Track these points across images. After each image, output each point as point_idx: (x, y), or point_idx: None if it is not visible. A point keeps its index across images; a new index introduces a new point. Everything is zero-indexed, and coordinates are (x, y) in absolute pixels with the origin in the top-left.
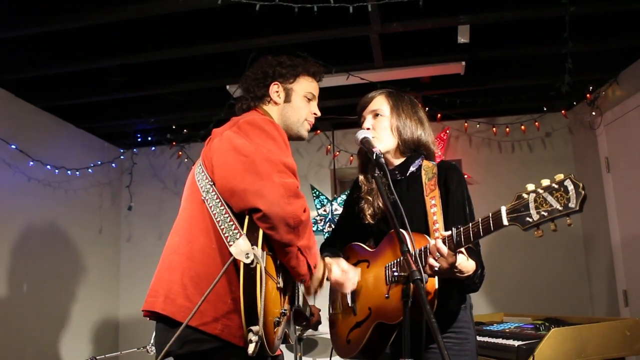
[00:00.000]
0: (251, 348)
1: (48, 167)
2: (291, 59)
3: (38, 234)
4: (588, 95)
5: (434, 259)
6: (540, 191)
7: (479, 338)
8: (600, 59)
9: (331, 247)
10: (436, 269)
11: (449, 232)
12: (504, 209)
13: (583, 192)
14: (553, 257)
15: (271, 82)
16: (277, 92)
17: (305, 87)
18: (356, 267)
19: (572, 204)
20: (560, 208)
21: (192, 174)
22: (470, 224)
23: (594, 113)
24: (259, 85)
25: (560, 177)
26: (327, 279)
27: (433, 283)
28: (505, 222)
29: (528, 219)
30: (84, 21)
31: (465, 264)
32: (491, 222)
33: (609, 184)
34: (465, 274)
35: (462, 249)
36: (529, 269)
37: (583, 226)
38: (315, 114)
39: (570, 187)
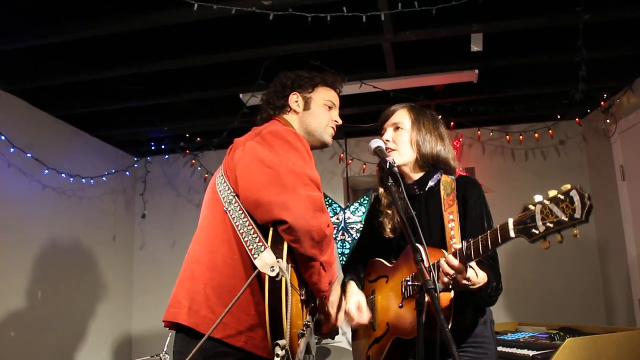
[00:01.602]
0: None
1: (63, 175)
2: (309, 72)
3: (52, 241)
4: (602, 102)
5: (445, 273)
6: (547, 202)
7: None
8: (615, 66)
9: (354, 265)
10: (446, 280)
11: (459, 246)
12: (511, 221)
13: (588, 203)
14: (568, 265)
15: (290, 92)
16: (296, 101)
17: (324, 95)
18: (376, 282)
19: (577, 215)
20: (566, 219)
21: (212, 183)
22: (480, 237)
23: (608, 121)
24: (278, 96)
25: (566, 187)
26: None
27: (448, 299)
28: (512, 234)
29: (534, 230)
30: (99, 30)
31: (475, 277)
32: (499, 234)
33: (624, 192)
34: (477, 286)
35: (472, 263)
36: (544, 277)
37: (598, 234)
38: (336, 121)
39: (576, 198)
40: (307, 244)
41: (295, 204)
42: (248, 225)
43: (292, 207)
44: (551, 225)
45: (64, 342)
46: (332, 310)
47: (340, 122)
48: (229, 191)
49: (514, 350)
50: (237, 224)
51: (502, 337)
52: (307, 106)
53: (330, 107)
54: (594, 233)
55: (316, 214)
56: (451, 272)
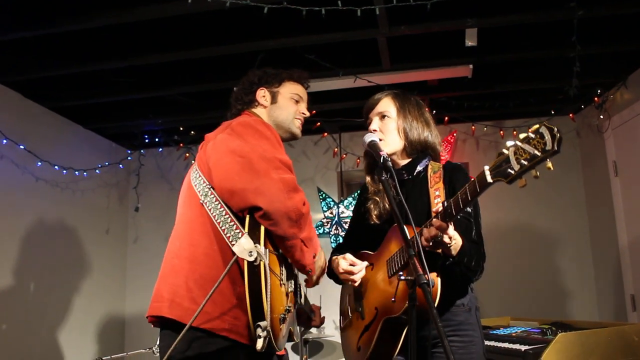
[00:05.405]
0: (259, 343)
1: (56, 167)
2: (275, 69)
3: (45, 234)
4: (596, 98)
5: (429, 237)
6: (519, 143)
7: (485, 342)
8: (608, 62)
9: (341, 252)
10: (431, 243)
11: (440, 205)
12: (486, 168)
13: (558, 135)
14: (560, 260)
15: (257, 88)
16: (263, 96)
17: (291, 89)
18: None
19: (548, 147)
20: (539, 153)
21: (187, 179)
22: (459, 192)
23: (601, 116)
24: (246, 92)
25: (535, 126)
26: (336, 274)
27: (436, 288)
28: (489, 179)
29: (510, 170)
30: (93, 22)
31: (455, 235)
32: (477, 183)
33: (617, 188)
34: (454, 244)
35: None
36: (536, 272)
37: (590, 229)
38: (303, 113)
39: (546, 132)
40: (285, 224)
41: (268, 187)
42: (225, 215)
43: (266, 191)
44: (525, 162)
45: (56, 334)
46: (319, 272)
47: (307, 114)
48: (204, 184)
49: (506, 345)
50: (214, 214)
51: (494, 332)
52: (274, 100)
53: (297, 101)
54: (587, 228)
55: (290, 194)
56: (435, 232)
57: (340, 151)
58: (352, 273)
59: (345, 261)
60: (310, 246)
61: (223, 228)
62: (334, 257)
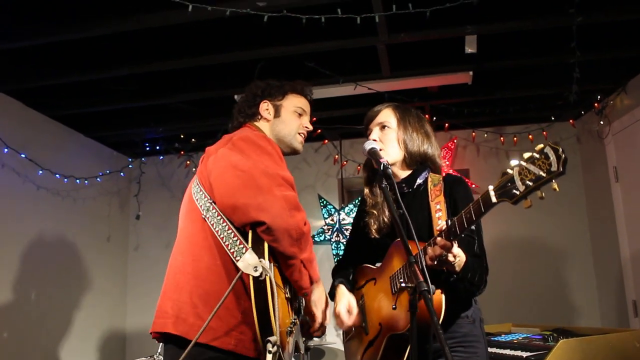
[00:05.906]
0: (269, 358)
1: (57, 176)
2: (279, 81)
3: (47, 242)
4: (596, 104)
5: (433, 257)
6: (523, 163)
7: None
8: (608, 68)
9: (344, 270)
10: (435, 262)
11: (444, 224)
12: (491, 188)
13: (563, 155)
14: (561, 266)
15: (260, 101)
16: (267, 109)
17: (294, 102)
18: (365, 287)
19: (554, 168)
20: (544, 174)
21: (188, 193)
22: (463, 211)
23: (602, 122)
24: (249, 104)
25: (540, 146)
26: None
27: (440, 301)
28: (494, 199)
29: (515, 191)
30: (94, 31)
31: (459, 252)
32: (481, 203)
33: (618, 194)
34: (459, 261)
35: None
36: (537, 278)
37: (591, 235)
38: (306, 127)
39: (551, 153)
40: (286, 242)
41: (271, 204)
42: (228, 230)
43: (269, 207)
44: (530, 183)
45: (57, 342)
46: (316, 309)
47: (310, 128)
48: (206, 199)
49: (507, 351)
50: (216, 229)
51: (496, 339)
52: (277, 113)
53: (300, 114)
54: (588, 234)
55: (292, 212)
56: (439, 252)
57: (340, 158)
58: (343, 323)
59: (344, 306)
60: (309, 268)
61: (226, 243)
62: (338, 284)
